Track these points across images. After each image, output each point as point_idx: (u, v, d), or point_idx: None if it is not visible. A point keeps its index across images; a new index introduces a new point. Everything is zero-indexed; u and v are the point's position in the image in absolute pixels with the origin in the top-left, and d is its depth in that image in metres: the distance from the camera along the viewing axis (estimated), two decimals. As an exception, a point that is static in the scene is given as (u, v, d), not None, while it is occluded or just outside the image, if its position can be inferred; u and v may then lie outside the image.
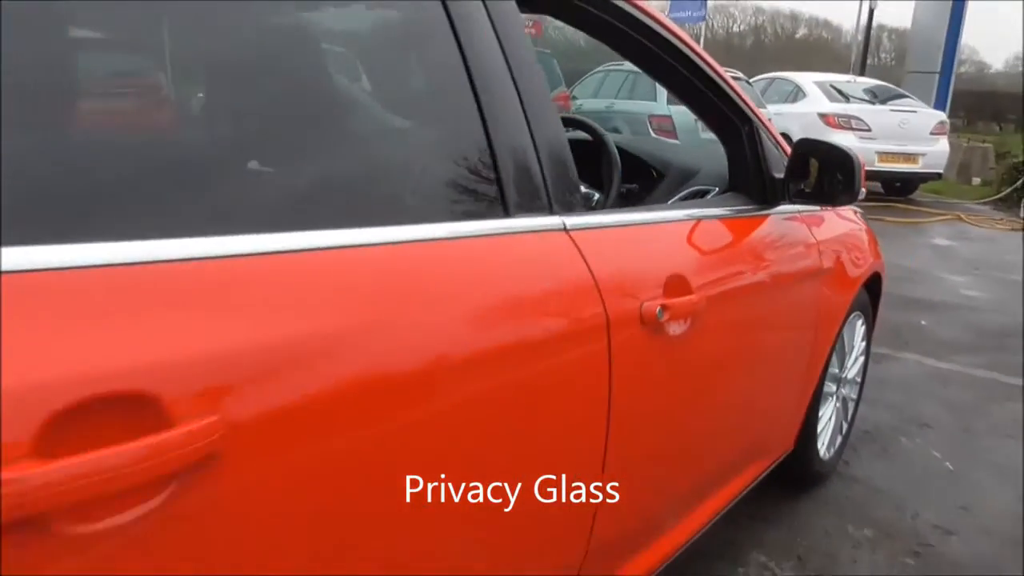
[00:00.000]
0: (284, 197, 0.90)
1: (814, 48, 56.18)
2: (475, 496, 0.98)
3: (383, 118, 1.18)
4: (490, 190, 1.10)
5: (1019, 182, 10.25)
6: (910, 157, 9.39)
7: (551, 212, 1.18)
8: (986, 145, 13.18)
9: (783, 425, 2.19)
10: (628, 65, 10.17)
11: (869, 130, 9.20)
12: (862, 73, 14.59)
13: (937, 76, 14.05)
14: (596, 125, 2.11)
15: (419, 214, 1.04)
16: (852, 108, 9.47)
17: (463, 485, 0.95)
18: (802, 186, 1.87)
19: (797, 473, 2.48)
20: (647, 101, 9.23)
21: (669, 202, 1.98)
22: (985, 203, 10.46)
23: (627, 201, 2.06)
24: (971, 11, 14.23)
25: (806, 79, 10.39)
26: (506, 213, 1.12)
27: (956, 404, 3.42)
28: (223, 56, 0.92)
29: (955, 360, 4.00)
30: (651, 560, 1.59)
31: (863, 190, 1.89)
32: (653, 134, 8.80)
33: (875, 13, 15.97)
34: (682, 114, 8.68)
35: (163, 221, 0.76)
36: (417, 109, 1.18)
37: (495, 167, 1.11)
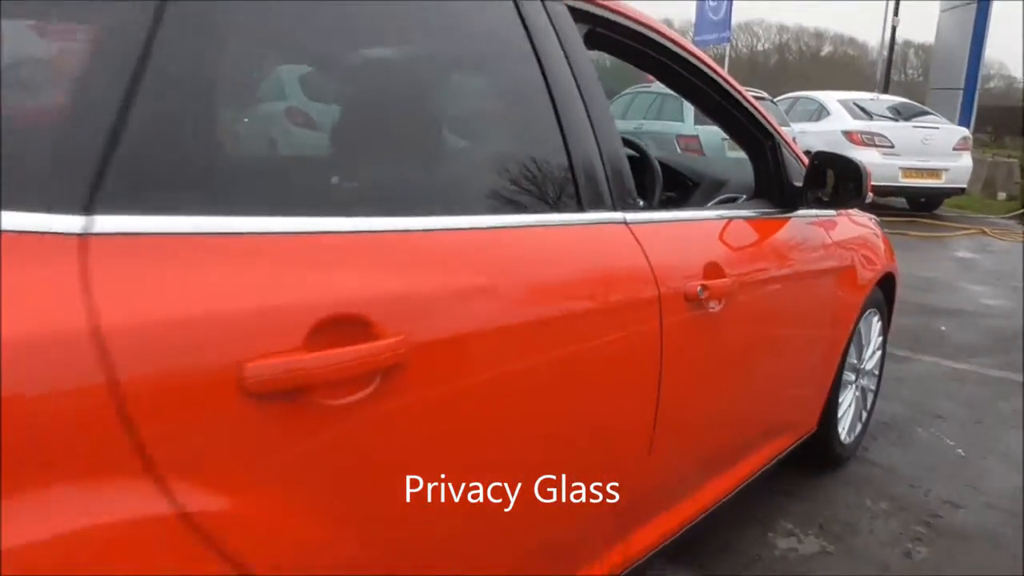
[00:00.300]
0: (448, 191, 1.26)
1: (839, 65, 56.30)
2: (565, 415, 1.30)
3: (500, 134, 1.51)
4: (569, 190, 1.42)
5: (1044, 196, 10.40)
6: (933, 172, 9.59)
7: (614, 209, 1.50)
8: (1011, 160, 13.30)
9: (806, 405, 2.48)
10: (655, 87, 10.53)
11: (892, 146, 9.42)
12: (886, 90, 14.79)
13: (961, 92, 14.22)
14: (638, 141, 2.43)
15: (520, 206, 1.36)
16: (875, 125, 9.71)
17: (558, 402, 1.28)
18: (819, 194, 2.17)
19: (820, 454, 2.75)
20: (674, 121, 9.54)
21: (705, 206, 2.29)
22: (1010, 217, 10.61)
23: (667, 207, 2.37)
24: (999, 25, 14.42)
25: (830, 97, 10.65)
26: (580, 208, 1.44)
27: (970, 400, 3.66)
28: (414, 90, 1.31)
29: (971, 361, 4.24)
30: (693, 510, 1.89)
31: (870, 195, 2.18)
32: (681, 153, 9.10)
33: (902, 29, 16.19)
34: (708, 133, 8.99)
35: (391, 204, 1.12)
36: (515, 126, 1.51)
37: (572, 172, 1.43)
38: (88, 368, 0.76)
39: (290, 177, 1.16)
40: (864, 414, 3.01)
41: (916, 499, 2.69)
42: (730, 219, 1.95)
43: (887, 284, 2.95)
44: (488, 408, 1.18)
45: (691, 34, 16.64)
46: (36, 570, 0.72)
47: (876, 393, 3.09)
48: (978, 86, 14.37)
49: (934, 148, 9.60)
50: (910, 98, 14.06)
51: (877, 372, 3.05)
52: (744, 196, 2.29)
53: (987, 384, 3.90)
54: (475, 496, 1.16)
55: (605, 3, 1.63)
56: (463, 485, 1.13)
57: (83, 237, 0.79)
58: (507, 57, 1.42)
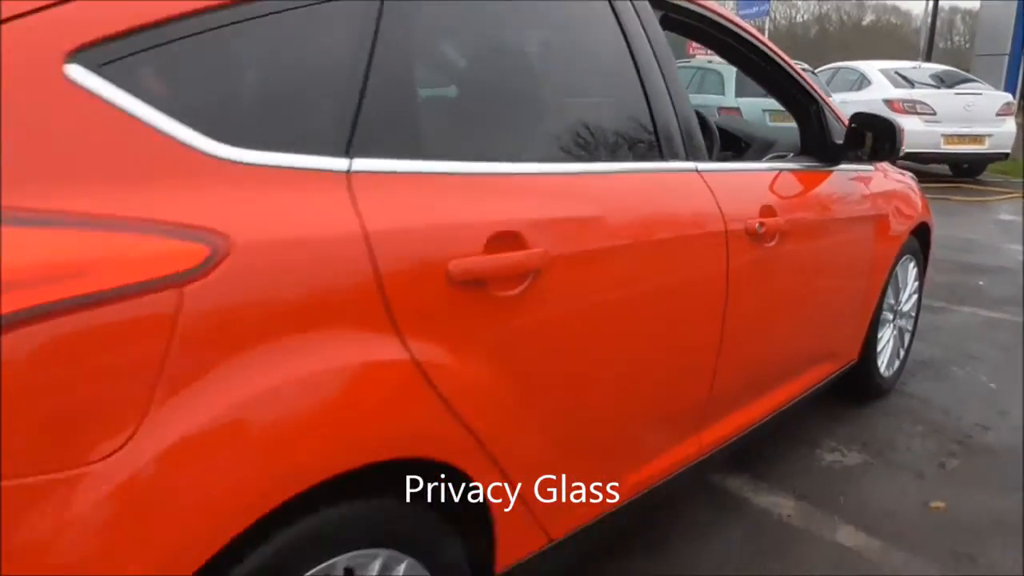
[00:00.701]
0: (572, 144, 1.67)
1: (882, 34, 55.12)
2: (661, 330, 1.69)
3: (605, 103, 1.87)
4: (652, 142, 1.79)
5: (1089, 160, 10.41)
6: (976, 138, 9.69)
7: (687, 159, 1.86)
8: (1057, 125, 13.21)
9: (848, 336, 2.81)
10: (695, 62, 10.74)
11: (934, 114, 9.54)
12: (929, 59, 14.76)
13: (1006, 58, 14.12)
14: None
15: (619, 156, 1.74)
16: (916, 93, 9.81)
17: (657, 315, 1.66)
18: (859, 151, 2.49)
19: (861, 384, 3.08)
20: (716, 95, 9.77)
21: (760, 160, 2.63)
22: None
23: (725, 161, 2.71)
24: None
25: (871, 67, 10.75)
26: (661, 158, 1.80)
27: (1002, 343, 3.95)
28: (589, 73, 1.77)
29: (1006, 310, 4.50)
30: (753, 415, 2.25)
31: (902, 150, 2.50)
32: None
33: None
34: (750, 105, 9.21)
35: (537, 153, 1.55)
36: (614, 96, 1.87)
37: (655, 130, 1.79)
38: (359, 255, 1.15)
39: (471, 133, 1.54)
40: (902, 352, 3.33)
41: (949, 424, 3.02)
42: (780, 171, 2.30)
43: (923, 234, 3.25)
44: (606, 309, 1.57)
45: (733, 8, 16.70)
46: (328, 381, 1.12)
47: (913, 334, 3.41)
48: (1024, 51, 14.25)
49: (977, 114, 9.68)
50: (956, 65, 14.03)
51: (913, 314, 3.36)
52: (792, 154, 2.62)
53: (1018, 331, 4.16)
54: (600, 367, 1.56)
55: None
56: (591, 358, 1.53)
57: (348, 174, 1.19)
58: (607, 44, 1.79)
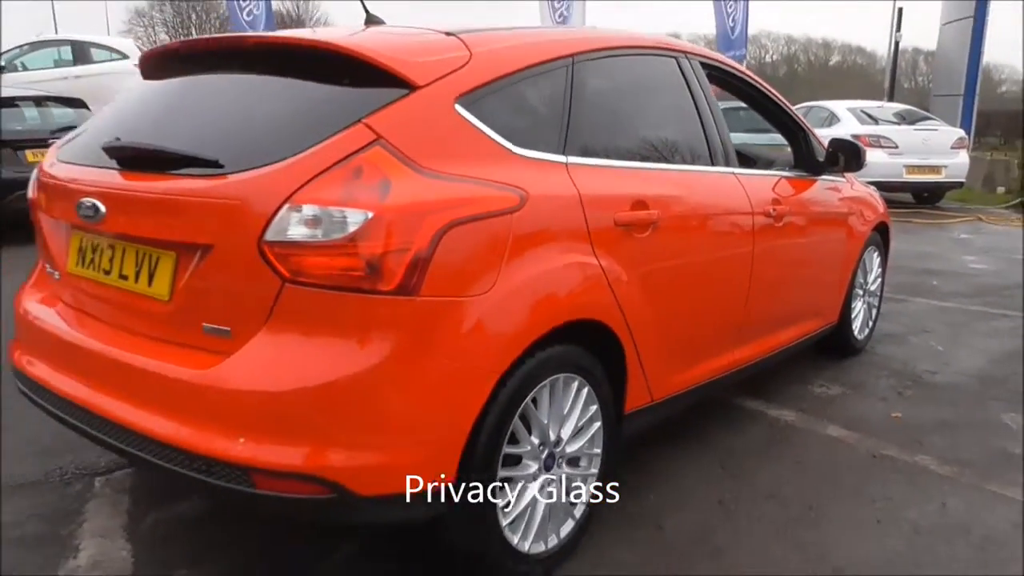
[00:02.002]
0: (666, 154, 2.66)
1: (849, 75, 57.47)
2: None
3: (678, 127, 2.87)
4: (707, 155, 2.81)
5: (1035, 188, 11.67)
6: (934, 169, 10.90)
7: (727, 165, 2.88)
8: (1007, 158, 14.57)
9: (830, 300, 3.83)
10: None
11: (896, 147, 10.74)
12: (891, 99, 16.13)
13: (961, 98, 15.50)
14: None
15: (687, 161, 2.75)
16: (880, 129, 11.03)
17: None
18: (835, 166, 3.54)
19: (840, 343, 4.09)
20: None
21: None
22: (1006, 207, 11.89)
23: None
24: (1012, 31, 15.57)
25: (839, 106, 11.99)
26: (713, 164, 2.82)
27: (949, 322, 5.00)
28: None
29: (955, 301, 5.57)
30: (767, 346, 3.25)
31: (865, 164, 3.57)
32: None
33: (912, 38, 17.48)
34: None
35: (655, 158, 2.57)
36: (682, 122, 2.85)
37: (708, 146, 2.82)
38: (576, 207, 2.14)
39: (621, 144, 2.51)
40: (871, 322, 4.35)
41: (906, 371, 4.04)
42: (782, 177, 3.32)
43: (884, 232, 4.30)
44: (689, 249, 2.58)
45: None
46: (562, 270, 2.09)
47: (878, 309, 4.44)
48: (976, 93, 15.63)
49: (934, 147, 10.90)
50: (920, 104, 15.37)
51: (878, 293, 4.40)
52: (787, 167, 3.65)
53: (965, 314, 5.23)
54: (686, 285, 2.57)
55: (714, 57, 3.04)
56: (681, 278, 2.55)
57: (565, 164, 2.19)
58: (680, 91, 2.81)
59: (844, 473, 2.89)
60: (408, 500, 1.82)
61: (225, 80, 2.18)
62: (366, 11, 2.50)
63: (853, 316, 4.10)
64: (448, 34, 2.16)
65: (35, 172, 2.47)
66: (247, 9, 15.06)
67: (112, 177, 2.01)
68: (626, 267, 2.30)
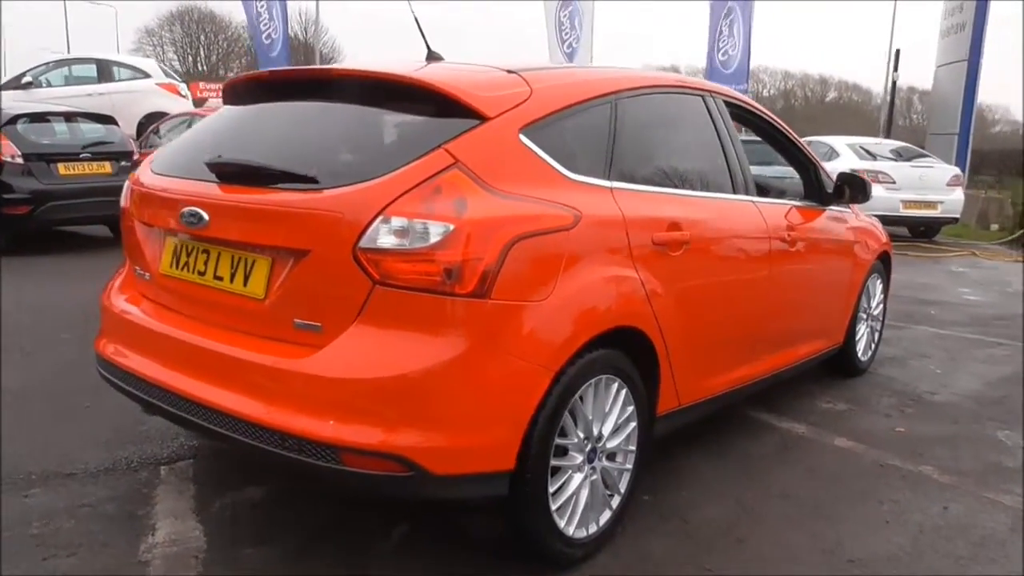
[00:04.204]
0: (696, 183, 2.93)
1: (845, 111, 58.37)
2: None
3: (704, 159, 3.15)
4: (728, 185, 3.08)
5: (1028, 225, 12.01)
6: (930, 204, 11.23)
7: (747, 194, 3.15)
8: (1001, 196, 14.95)
9: (836, 322, 4.08)
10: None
11: (894, 182, 11.08)
12: (888, 136, 16.55)
13: (956, 137, 15.91)
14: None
15: (713, 190, 3.01)
16: (878, 164, 11.38)
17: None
18: (842, 198, 3.81)
19: (845, 364, 4.34)
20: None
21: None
22: (999, 243, 12.22)
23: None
24: (1003, 72, 16.05)
25: (839, 142, 12.35)
26: (734, 192, 3.09)
27: (947, 348, 5.26)
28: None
29: (952, 329, 5.83)
30: (780, 361, 3.49)
31: (871, 196, 3.84)
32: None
33: (908, 77, 17.98)
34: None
35: (690, 185, 2.85)
36: (708, 156, 3.13)
37: (731, 176, 3.08)
38: (620, 227, 2.39)
39: (657, 172, 2.78)
40: (873, 345, 4.61)
41: (907, 391, 4.28)
42: (794, 206, 3.59)
43: (886, 260, 4.58)
44: (716, 267, 2.84)
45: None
46: (607, 282, 2.35)
47: (880, 333, 4.70)
48: (971, 132, 16.04)
49: (930, 184, 11.24)
50: (914, 141, 15.77)
51: (881, 318, 4.66)
52: (799, 197, 3.92)
53: (962, 341, 5.49)
54: (713, 300, 2.82)
55: (736, 97, 3.33)
56: (710, 294, 2.80)
57: (610, 188, 2.45)
58: (706, 126, 3.09)
59: (853, 479, 3.12)
60: (475, 480, 2.05)
61: (312, 107, 2.45)
62: (428, 48, 2.76)
63: (857, 338, 4.36)
64: (509, 71, 2.43)
65: (127, 183, 2.73)
66: (266, 33, 15.47)
67: (215, 189, 2.27)
68: (661, 282, 2.55)
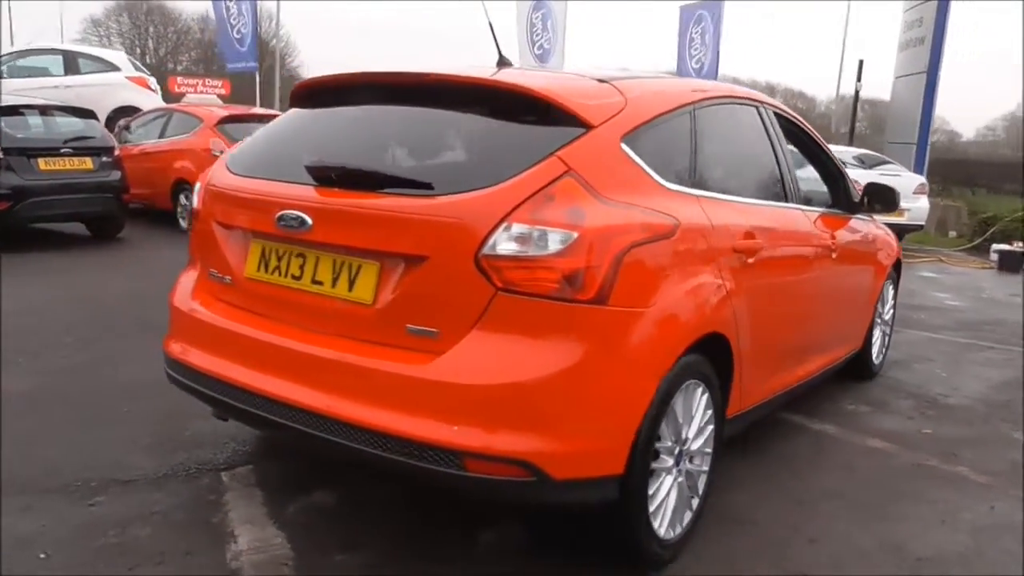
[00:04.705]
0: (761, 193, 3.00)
1: (793, 119, 59.73)
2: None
3: (763, 169, 3.22)
4: (782, 191, 3.16)
5: (987, 233, 12.50)
6: (898, 211, 11.59)
7: (796, 202, 3.24)
8: (958, 204, 15.52)
9: (860, 326, 4.21)
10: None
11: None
12: (851, 143, 17.02)
13: (914, 146, 16.45)
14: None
15: (773, 198, 3.09)
16: (847, 172, 11.71)
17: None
18: (871, 206, 3.94)
19: (860, 368, 4.47)
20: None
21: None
22: (961, 250, 12.68)
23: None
24: (943, 85, 16.66)
25: (810, 149, 12.67)
26: (786, 200, 3.17)
27: (946, 352, 5.46)
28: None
29: (944, 333, 6.05)
30: (815, 366, 3.59)
31: (900, 207, 3.98)
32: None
33: (852, 85, 18.52)
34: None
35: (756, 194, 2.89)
36: (765, 165, 3.21)
37: (783, 184, 3.17)
38: (709, 234, 2.45)
39: (735, 184, 2.85)
40: (884, 349, 4.76)
41: (921, 393, 4.44)
42: (829, 214, 3.69)
43: (897, 266, 4.74)
44: (780, 276, 2.91)
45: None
46: (698, 288, 2.39)
47: (890, 337, 4.86)
48: (929, 142, 16.61)
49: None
50: (866, 147, 16.26)
51: (891, 323, 4.82)
52: (825, 205, 4.03)
53: (956, 345, 5.70)
54: (778, 303, 2.89)
55: (780, 107, 3.42)
56: (777, 297, 2.87)
57: (696, 197, 2.50)
58: (759, 132, 3.17)
59: (896, 479, 3.23)
60: (591, 485, 2.08)
61: (405, 111, 2.44)
62: (499, 53, 2.77)
63: (873, 342, 4.50)
64: (600, 80, 2.46)
65: (199, 185, 2.68)
66: (236, 28, 15.19)
67: (315, 192, 2.24)
68: (738, 289, 2.61)
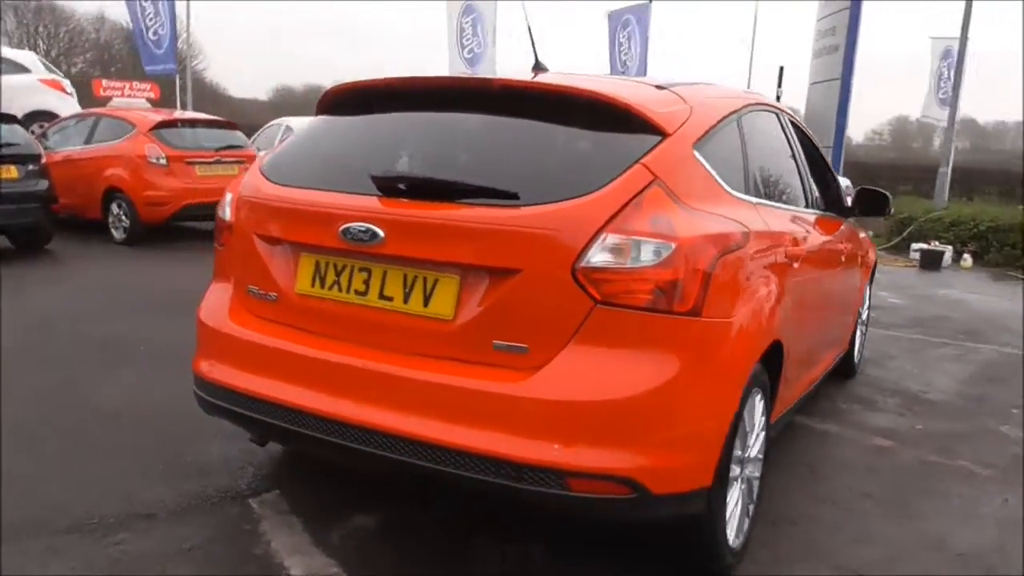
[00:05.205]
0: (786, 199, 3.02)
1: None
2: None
3: (783, 173, 3.26)
4: (803, 197, 3.22)
5: (905, 233, 13.17)
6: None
7: (813, 207, 3.30)
8: (874, 206, 16.29)
9: (849, 326, 4.34)
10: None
11: (795, 193, 11.86)
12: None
13: (830, 149, 17.19)
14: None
15: (795, 204, 3.14)
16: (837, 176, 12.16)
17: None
18: (859, 210, 4.06)
19: (845, 367, 4.61)
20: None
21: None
22: (882, 249, 13.32)
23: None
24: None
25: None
26: (807, 205, 3.23)
27: (907, 349, 5.70)
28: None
29: (899, 331, 6.32)
30: (821, 369, 3.67)
31: (891, 211, 4.11)
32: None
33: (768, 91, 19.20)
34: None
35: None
36: (786, 169, 3.26)
37: (804, 188, 3.22)
38: (769, 241, 2.45)
39: (777, 191, 2.87)
40: (863, 348, 4.93)
41: (901, 390, 4.61)
42: (827, 217, 3.79)
43: (874, 268, 4.91)
44: (812, 281, 2.96)
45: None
46: (766, 294, 2.40)
47: (865, 336, 5.03)
48: (844, 146, 17.41)
49: (826, 194, 12.12)
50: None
51: (867, 323, 4.99)
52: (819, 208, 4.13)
53: (914, 342, 5.96)
54: (813, 303, 2.94)
55: (791, 114, 3.48)
56: (813, 298, 2.90)
57: (754, 204, 2.50)
58: (784, 139, 3.21)
59: (911, 477, 3.33)
60: (684, 499, 2.05)
61: (466, 119, 2.34)
62: (536, 59, 2.72)
63: (855, 341, 4.65)
64: (660, 87, 2.44)
65: (231, 197, 2.51)
66: (152, 29, 14.53)
67: (385, 204, 2.13)
68: (788, 294, 2.63)
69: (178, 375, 3.99)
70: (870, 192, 4.05)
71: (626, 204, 1.98)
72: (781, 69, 18.39)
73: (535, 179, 2.11)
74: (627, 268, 1.94)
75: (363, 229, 2.11)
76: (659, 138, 2.17)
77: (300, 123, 11.02)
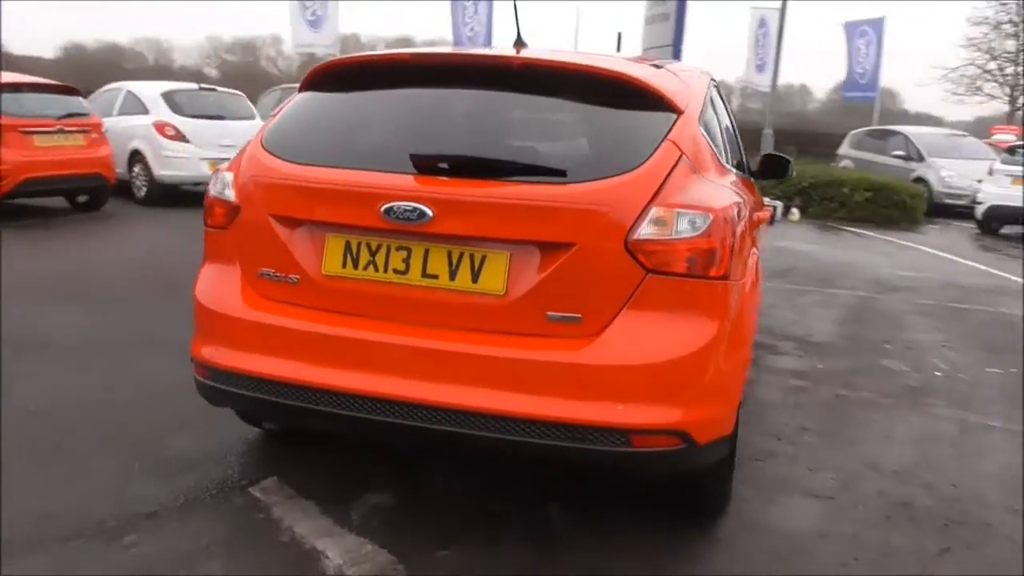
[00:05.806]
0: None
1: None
2: None
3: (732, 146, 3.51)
4: (744, 164, 3.51)
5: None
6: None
7: (745, 171, 3.61)
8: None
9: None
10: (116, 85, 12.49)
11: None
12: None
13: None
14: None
15: (739, 168, 3.41)
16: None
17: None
18: (764, 174, 4.46)
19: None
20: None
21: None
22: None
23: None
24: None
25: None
26: (743, 170, 3.53)
27: (782, 296, 6.30)
28: None
29: (768, 282, 6.96)
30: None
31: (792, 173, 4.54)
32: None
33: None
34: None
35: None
36: (732, 143, 3.52)
37: (740, 154, 3.51)
38: (748, 209, 2.69)
39: (737, 157, 3.06)
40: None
41: (789, 334, 5.13)
42: (746, 179, 4.14)
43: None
44: (753, 234, 3.24)
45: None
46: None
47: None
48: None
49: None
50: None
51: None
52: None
53: (781, 292, 6.59)
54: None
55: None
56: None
57: (732, 172, 2.73)
58: (723, 109, 3.46)
59: (830, 409, 3.78)
60: (716, 446, 2.26)
61: (491, 96, 2.37)
62: (518, 34, 2.78)
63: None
64: (656, 66, 2.59)
65: (231, 177, 2.40)
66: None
67: (426, 183, 2.14)
68: (755, 255, 2.90)
69: (108, 370, 3.74)
70: (774, 157, 4.45)
71: (666, 179, 2.13)
72: (619, 35, 19.18)
73: (577, 157, 2.20)
74: (673, 239, 2.09)
75: (410, 208, 2.11)
76: (675, 115, 2.32)
77: (141, 88, 10.18)
